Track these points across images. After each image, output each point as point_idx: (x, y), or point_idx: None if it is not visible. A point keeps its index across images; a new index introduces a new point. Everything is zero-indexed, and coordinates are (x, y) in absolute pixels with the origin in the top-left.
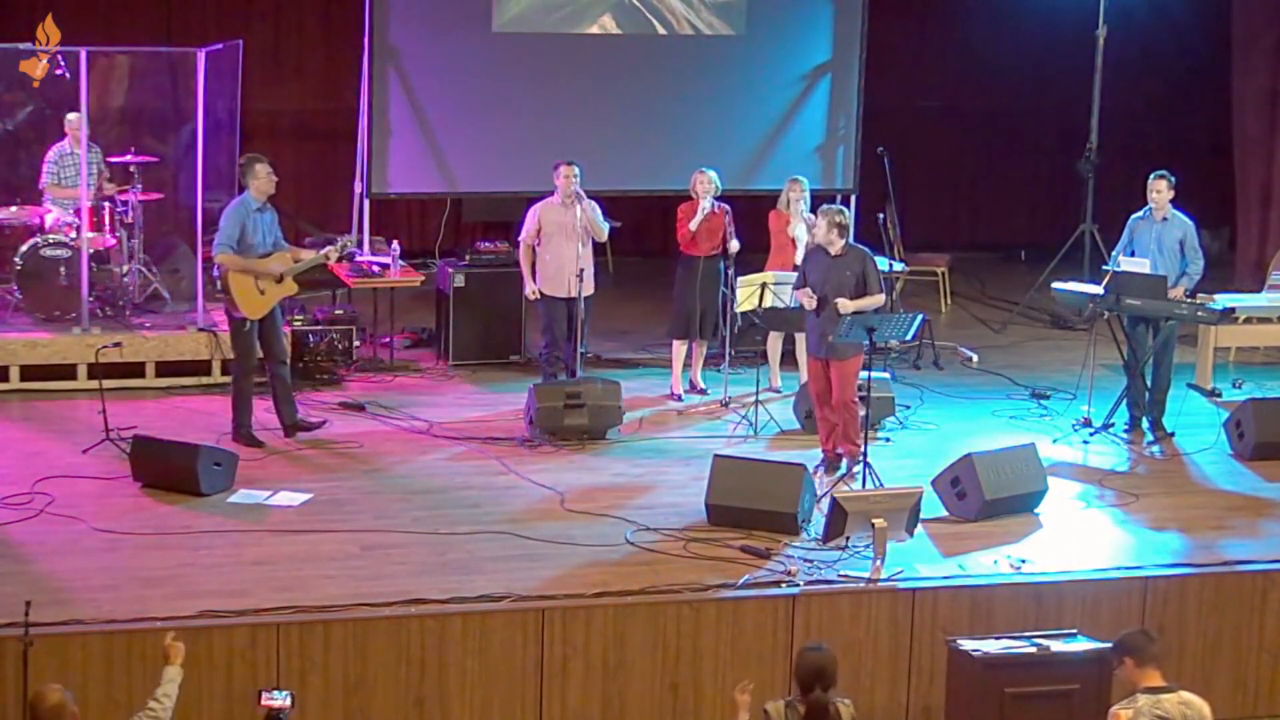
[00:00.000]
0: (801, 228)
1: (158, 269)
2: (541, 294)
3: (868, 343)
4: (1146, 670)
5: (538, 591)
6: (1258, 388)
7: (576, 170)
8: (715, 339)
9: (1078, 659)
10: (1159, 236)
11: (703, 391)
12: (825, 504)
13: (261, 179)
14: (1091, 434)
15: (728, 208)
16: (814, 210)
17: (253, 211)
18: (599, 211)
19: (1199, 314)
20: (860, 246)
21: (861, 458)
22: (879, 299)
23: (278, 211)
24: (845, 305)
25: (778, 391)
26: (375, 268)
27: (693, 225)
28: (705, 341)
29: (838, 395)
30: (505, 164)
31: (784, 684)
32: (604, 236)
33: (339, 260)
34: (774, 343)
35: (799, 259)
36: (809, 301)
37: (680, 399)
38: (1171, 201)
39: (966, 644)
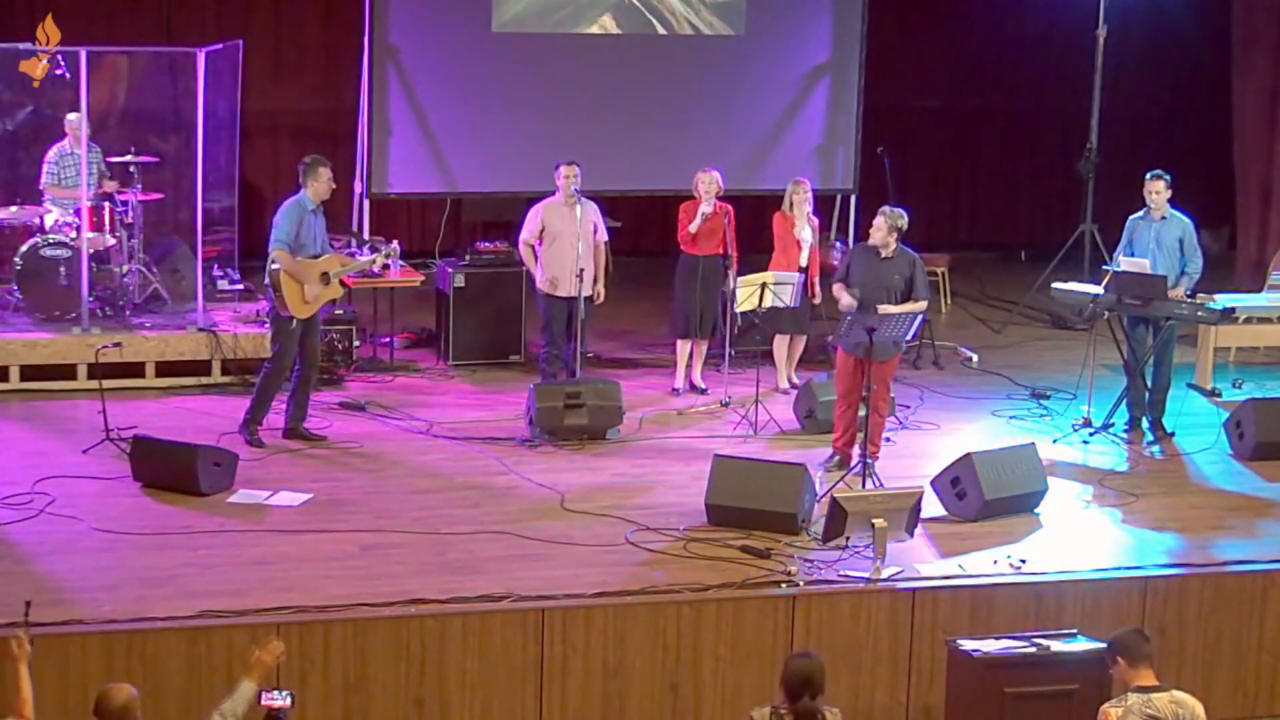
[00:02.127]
0: (807, 230)
1: (158, 269)
2: (544, 294)
3: (904, 343)
4: (1139, 670)
5: (538, 591)
6: (1258, 388)
7: (577, 170)
8: (714, 337)
9: (1078, 659)
10: (1158, 236)
11: (703, 391)
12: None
13: (322, 182)
14: (1091, 434)
15: (729, 208)
16: (816, 212)
17: (308, 212)
18: (599, 214)
19: (1199, 314)
20: (911, 251)
21: (872, 458)
22: (922, 305)
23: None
24: (887, 309)
25: (785, 392)
26: (375, 268)
27: (693, 228)
28: (705, 340)
29: (876, 395)
30: (505, 164)
31: None
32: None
33: (384, 267)
34: (779, 344)
35: (804, 260)
36: (848, 300)
37: (678, 392)
38: (1170, 201)
39: (966, 644)
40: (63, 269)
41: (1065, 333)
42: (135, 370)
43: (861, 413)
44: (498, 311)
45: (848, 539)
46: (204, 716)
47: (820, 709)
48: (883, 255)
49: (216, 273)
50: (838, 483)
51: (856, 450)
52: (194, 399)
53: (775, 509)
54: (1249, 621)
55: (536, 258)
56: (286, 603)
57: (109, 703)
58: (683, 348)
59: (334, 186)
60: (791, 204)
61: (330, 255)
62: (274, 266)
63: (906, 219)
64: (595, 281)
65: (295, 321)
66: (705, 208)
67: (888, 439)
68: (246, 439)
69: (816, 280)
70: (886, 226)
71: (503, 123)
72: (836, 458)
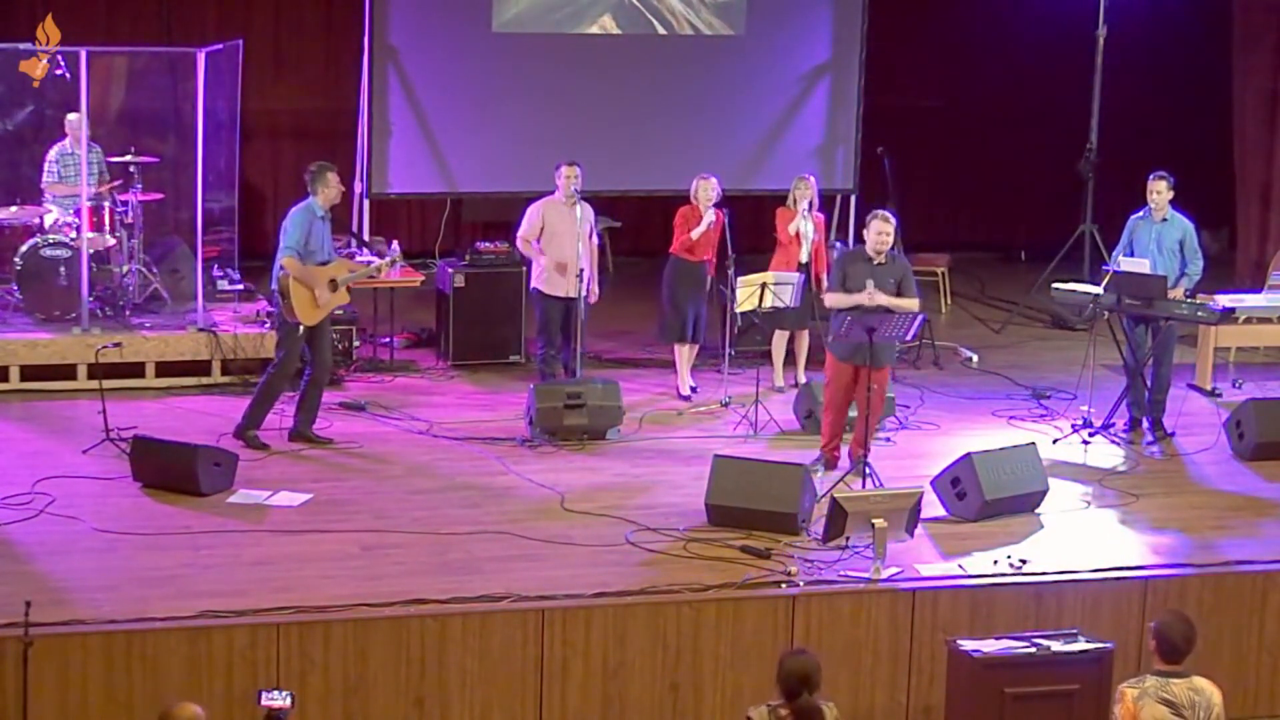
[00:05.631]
0: (809, 225)
1: (158, 269)
2: (540, 293)
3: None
4: (1167, 663)
5: (538, 591)
6: (1258, 388)
7: (578, 170)
8: (701, 342)
9: (1078, 659)
10: (1159, 237)
11: (694, 389)
12: (826, 504)
13: (331, 188)
14: (1091, 434)
15: (723, 215)
16: (823, 208)
17: (317, 219)
18: (590, 212)
19: (1199, 314)
20: (900, 257)
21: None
22: (915, 303)
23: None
24: (877, 296)
25: (780, 391)
26: (383, 274)
27: (695, 234)
28: (696, 345)
29: (876, 402)
30: (505, 164)
31: None
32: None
33: (387, 272)
34: (778, 342)
35: (804, 256)
36: (871, 299)
37: (689, 399)
38: (1171, 202)
39: (966, 644)
40: (63, 269)
41: (1065, 333)
42: (135, 370)
43: (852, 413)
44: (498, 311)
45: (848, 539)
46: None
47: (820, 704)
48: (875, 262)
49: (216, 273)
50: (838, 483)
51: (845, 451)
52: (194, 399)
53: (775, 509)
54: (1249, 621)
55: (539, 253)
56: (286, 603)
57: None
58: (681, 351)
59: (343, 190)
60: (794, 199)
61: (338, 261)
62: (282, 273)
63: (894, 223)
64: (590, 281)
65: (302, 328)
66: (709, 217)
67: (888, 439)
68: (247, 444)
69: (823, 276)
70: (876, 233)
71: (503, 123)
72: (823, 459)
